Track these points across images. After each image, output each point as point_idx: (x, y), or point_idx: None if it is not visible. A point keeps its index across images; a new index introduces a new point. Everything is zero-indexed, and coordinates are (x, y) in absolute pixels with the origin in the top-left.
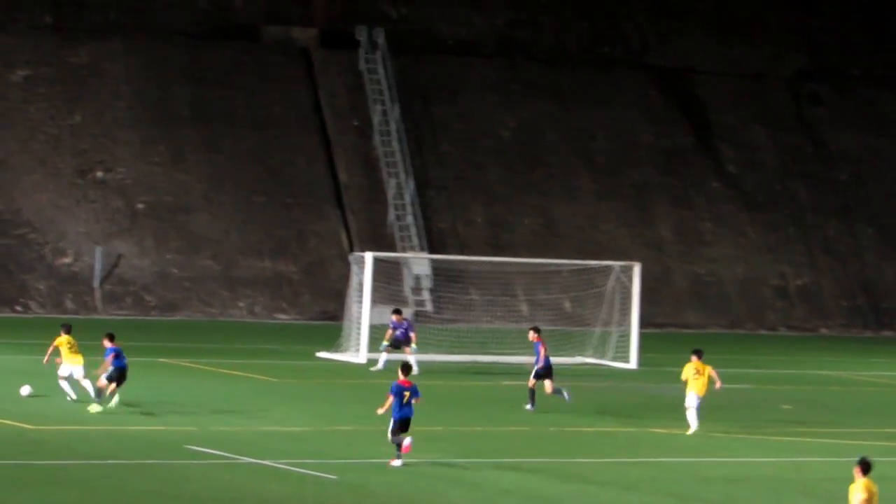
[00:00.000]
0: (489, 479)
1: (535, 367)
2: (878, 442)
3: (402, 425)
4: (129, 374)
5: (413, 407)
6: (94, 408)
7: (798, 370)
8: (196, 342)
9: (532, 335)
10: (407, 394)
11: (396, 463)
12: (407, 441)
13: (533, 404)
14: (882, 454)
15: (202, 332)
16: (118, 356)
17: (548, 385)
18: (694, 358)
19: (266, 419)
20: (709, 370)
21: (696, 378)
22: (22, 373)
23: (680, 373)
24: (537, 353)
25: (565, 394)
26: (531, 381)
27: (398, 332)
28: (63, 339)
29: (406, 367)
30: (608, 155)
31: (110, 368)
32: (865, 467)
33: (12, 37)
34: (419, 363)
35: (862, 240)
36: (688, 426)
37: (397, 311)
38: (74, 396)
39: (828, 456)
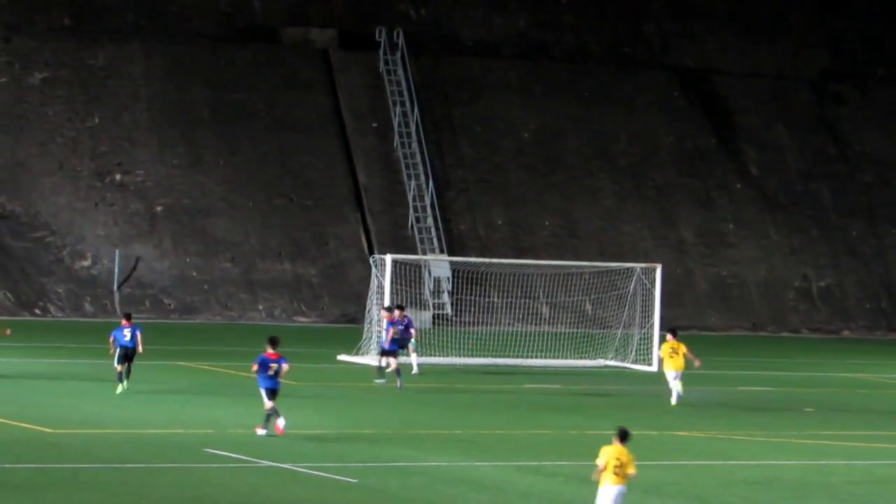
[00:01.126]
0: (510, 482)
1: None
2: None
3: (270, 394)
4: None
5: (279, 380)
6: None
7: (821, 372)
8: (215, 345)
9: (384, 314)
10: (273, 366)
11: (261, 432)
12: (282, 423)
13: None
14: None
15: (221, 336)
16: (127, 336)
17: (393, 363)
18: (669, 337)
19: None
20: (683, 348)
21: (671, 357)
22: (42, 376)
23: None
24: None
25: (399, 382)
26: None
27: (399, 328)
28: None
29: (273, 340)
30: (630, 156)
31: (116, 350)
32: (623, 436)
33: (31, 39)
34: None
35: (886, 241)
36: (670, 397)
37: (400, 307)
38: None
39: (851, 459)
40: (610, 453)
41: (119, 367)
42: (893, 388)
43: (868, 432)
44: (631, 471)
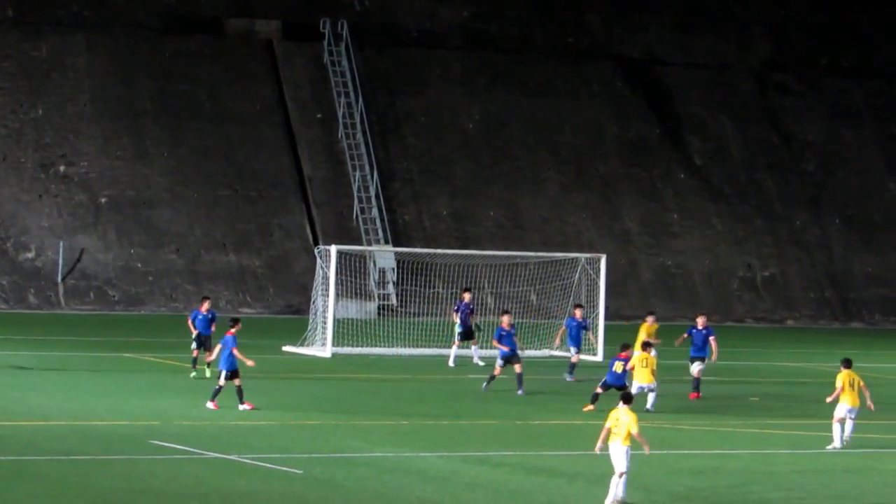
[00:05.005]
0: (455, 472)
1: None
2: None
3: (233, 375)
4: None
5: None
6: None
7: (765, 362)
8: (160, 337)
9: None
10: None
11: (210, 405)
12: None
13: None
14: (850, 445)
15: (166, 327)
16: (204, 322)
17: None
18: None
19: (231, 414)
20: (860, 382)
21: (849, 389)
22: None
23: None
24: None
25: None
26: None
27: (460, 317)
28: None
29: (235, 320)
30: (574, 147)
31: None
32: (624, 398)
33: None
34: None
35: (829, 231)
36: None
37: (467, 290)
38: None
39: (795, 448)
40: (611, 416)
41: (196, 353)
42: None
43: (812, 421)
44: (634, 430)
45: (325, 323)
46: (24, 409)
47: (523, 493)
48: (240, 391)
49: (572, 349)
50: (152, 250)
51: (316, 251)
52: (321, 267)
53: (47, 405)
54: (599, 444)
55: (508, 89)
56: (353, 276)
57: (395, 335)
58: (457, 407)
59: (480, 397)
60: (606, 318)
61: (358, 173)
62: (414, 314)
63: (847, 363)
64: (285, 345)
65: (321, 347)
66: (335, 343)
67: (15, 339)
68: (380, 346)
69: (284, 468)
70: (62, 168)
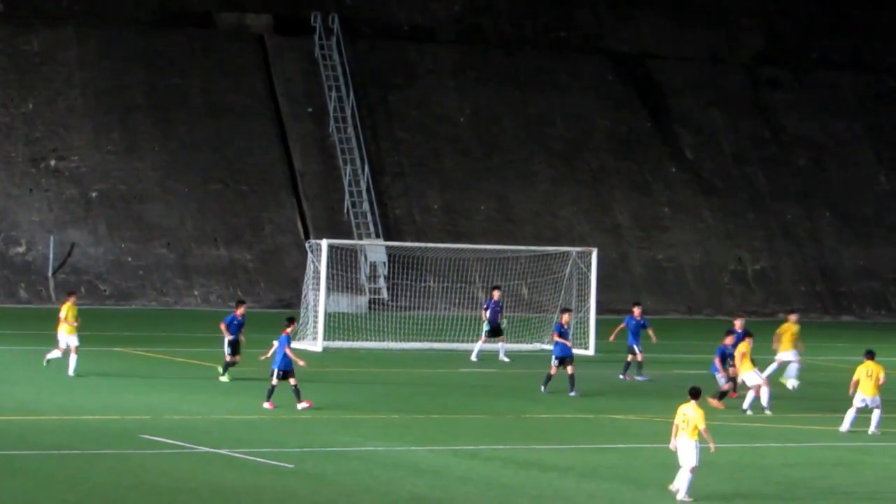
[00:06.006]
0: (447, 466)
1: None
2: (833, 427)
3: (286, 374)
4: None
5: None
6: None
7: (756, 355)
8: (151, 331)
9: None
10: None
11: (266, 405)
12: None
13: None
14: (835, 439)
15: (157, 321)
16: (238, 327)
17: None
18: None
19: (222, 408)
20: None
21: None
22: None
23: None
24: None
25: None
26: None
27: (489, 314)
28: None
29: (291, 319)
30: (565, 140)
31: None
32: (692, 393)
33: None
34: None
35: (820, 224)
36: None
37: (496, 287)
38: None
39: (786, 441)
40: (678, 411)
41: (229, 358)
42: (828, 371)
43: (802, 415)
44: (701, 426)
45: (316, 317)
46: (15, 404)
47: (514, 487)
48: (296, 390)
49: (635, 348)
50: (143, 244)
51: (307, 245)
52: (312, 261)
53: (38, 400)
54: (672, 440)
55: (499, 83)
56: (344, 270)
57: (386, 329)
58: (448, 401)
59: (471, 391)
60: (597, 311)
61: (349, 167)
62: (405, 308)
63: (869, 354)
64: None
65: (312, 341)
66: (326, 337)
67: (5, 333)
68: (371, 341)
69: (275, 462)
70: (53, 162)
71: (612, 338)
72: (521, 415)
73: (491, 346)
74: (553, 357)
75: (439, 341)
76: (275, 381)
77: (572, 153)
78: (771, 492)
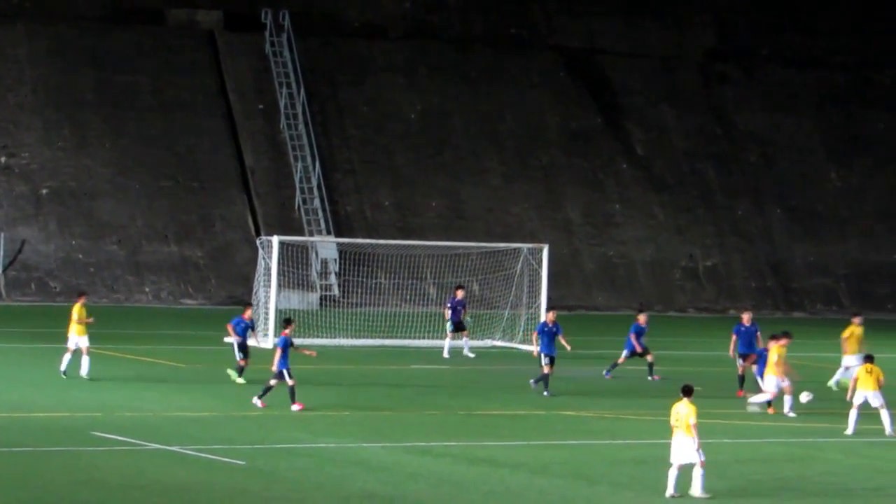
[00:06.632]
0: (398, 463)
1: None
2: (786, 423)
3: (290, 374)
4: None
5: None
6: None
7: (707, 351)
8: (101, 328)
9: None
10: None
11: (257, 403)
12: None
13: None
14: (787, 435)
15: (108, 318)
16: (239, 327)
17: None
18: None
19: (173, 405)
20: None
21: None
22: None
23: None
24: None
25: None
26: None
27: (451, 313)
28: None
29: (288, 321)
30: (516, 137)
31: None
32: (684, 391)
33: None
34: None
35: (771, 220)
36: None
37: (460, 287)
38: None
39: (738, 437)
40: (672, 410)
41: (242, 361)
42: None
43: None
44: (691, 420)
45: (267, 314)
46: None
47: (466, 484)
48: (292, 391)
49: (641, 349)
50: (94, 241)
51: (258, 242)
52: (263, 258)
53: None
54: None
55: (450, 80)
56: (294, 266)
57: (337, 326)
58: (400, 397)
59: (422, 388)
60: (548, 308)
61: (300, 164)
62: (356, 305)
63: (868, 358)
64: (227, 336)
65: (263, 338)
66: (278, 334)
67: None
68: (322, 337)
69: (227, 459)
70: (3, 159)
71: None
72: (473, 411)
73: (456, 341)
74: (543, 356)
75: (391, 338)
76: (272, 381)
77: (523, 150)
78: (723, 487)
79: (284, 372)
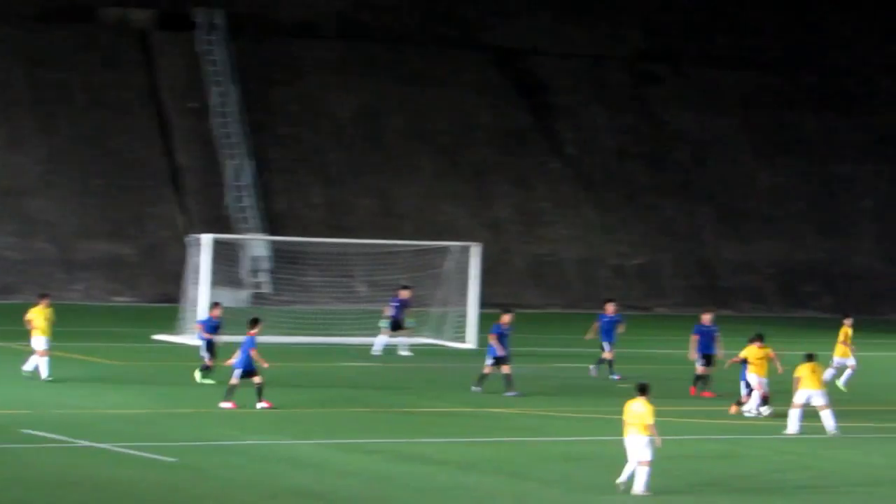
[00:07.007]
0: (328, 460)
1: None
2: (712, 420)
3: (248, 374)
4: None
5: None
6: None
7: (635, 349)
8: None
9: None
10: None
11: (226, 405)
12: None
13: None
14: (716, 431)
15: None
16: (209, 326)
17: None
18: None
19: (104, 402)
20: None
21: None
22: None
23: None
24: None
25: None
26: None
27: (393, 311)
28: None
29: (255, 319)
30: (447, 136)
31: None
32: (639, 390)
33: None
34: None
35: (699, 219)
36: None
37: (404, 287)
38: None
39: (664, 434)
40: (626, 408)
41: (210, 361)
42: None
43: (682, 408)
44: (648, 421)
45: (196, 311)
46: None
47: (395, 480)
48: (259, 389)
49: (605, 345)
50: (25, 239)
51: (187, 240)
52: (193, 256)
53: None
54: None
55: (382, 79)
56: (226, 264)
57: (268, 323)
58: (330, 395)
59: (354, 385)
60: (480, 306)
61: (232, 162)
62: (287, 302)
63: (810, 357)
64: (156, 333)
65: (193, 336)
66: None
67: None
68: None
69: (158, 456)
70: None
71: (588, 335)
72: (404, 409)
73: (392, 340)
74: (488, 356)
75: (322, 335)
76: (235, 380)
77: (454, 148)
78: (652, 484)
79: (239, 371)
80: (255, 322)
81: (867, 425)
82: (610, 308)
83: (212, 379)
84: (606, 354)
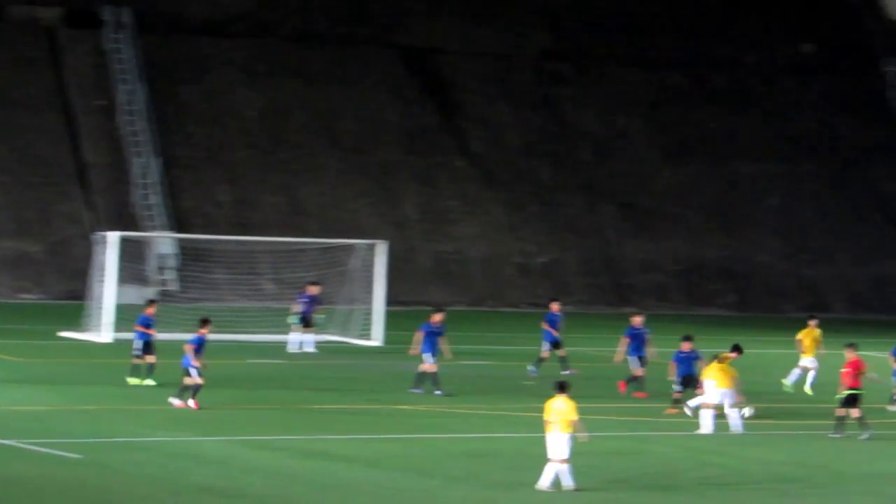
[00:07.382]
0: (235, 456)
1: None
2: (619, 417)
3: (186, 372)
4: None
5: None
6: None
7: (538, 347)
8: None
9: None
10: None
11: (191, 403)
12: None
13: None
14: (620, 428)
15: None
16: (145, 323)
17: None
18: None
19: (9, 399)
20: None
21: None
22: None
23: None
24: None
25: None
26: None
27: (302, 307)
28: None
29: (205, 320)
30: (354, 134)
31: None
32: (558, 387)
33: None
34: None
35: (604, 218)
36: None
37: (313, 283)
38: None
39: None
40: (546, 407)
41: (138, 360)
42: (610, 361)
43: (586, 405)
44: (573, 417)
45: (102, 309)
46: None
47: (301, 477)
48: (184, 389)
49: (545, 344)
50: None
51: (93, 237)
52: (100, 253)
53: None
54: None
55: (289, 77)
56: (132, 261)
57: (174, 321)
58: (236, 392)
59: (260, 382)
60: (387, 304)
61: (139, 160)
62: (194, 300)
63: (720, 359)
64: (63, 330)
65: (98, 333)
66: (116, 329)
67: None
68: (159, 332)
69: (62, 453)
70: None
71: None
72: (311, 405)
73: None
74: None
75: (228, 332)
76: (195, 380)
77: (361, 147)
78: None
79: (191, 370)
80: (205, 322)
81: (773, 422)
82: (555, 307)
83: (153, 379)
84: (544, 353)
